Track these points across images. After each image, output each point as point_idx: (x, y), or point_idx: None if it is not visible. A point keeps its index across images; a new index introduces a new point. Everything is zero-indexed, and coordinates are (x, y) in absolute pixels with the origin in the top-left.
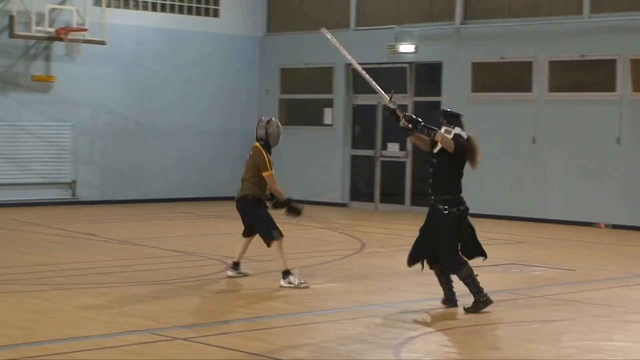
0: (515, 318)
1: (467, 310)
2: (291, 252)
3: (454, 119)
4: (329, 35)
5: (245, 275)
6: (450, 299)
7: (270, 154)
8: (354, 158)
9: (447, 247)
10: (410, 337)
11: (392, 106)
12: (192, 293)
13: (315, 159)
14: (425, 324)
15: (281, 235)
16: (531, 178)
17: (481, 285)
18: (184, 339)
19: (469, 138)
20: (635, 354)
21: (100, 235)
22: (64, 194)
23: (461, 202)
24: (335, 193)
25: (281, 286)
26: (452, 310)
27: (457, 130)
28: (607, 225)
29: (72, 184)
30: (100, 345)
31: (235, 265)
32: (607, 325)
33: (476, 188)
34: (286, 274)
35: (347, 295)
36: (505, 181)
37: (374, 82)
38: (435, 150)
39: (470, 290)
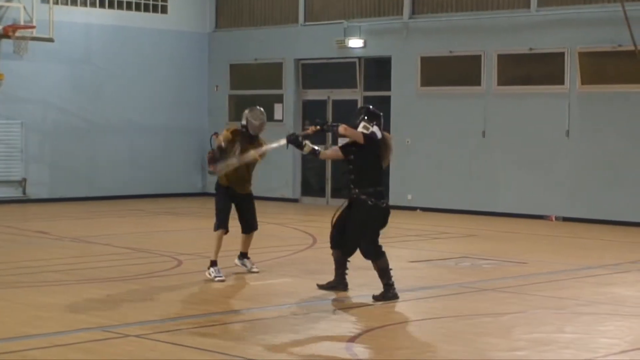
0: (467, 311)
1: (376, 299)
2: None
3: (374, 118)
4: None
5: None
6: (341, 283)
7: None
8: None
9: (370, 237)
10: (362, 332)
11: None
12: (144, 290)
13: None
14: (377, 318)
15: (218, 228)
16: (481, 171)
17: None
18: (136, 336)
19: (383, 136)
20: (587, 345)
21: (51, 233)
22: (14, 192)
23: (384, 195)
24: (287, 189)
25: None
26: (403, 304)
27: (375, 128)
28: (557, 218)
29: (22, 182)
30: (53, 343)
31: (242, 255)
32: (558, 318)
33: (426, 182)
34: (212, 264)
35: (299, 290)
36: (455, 175)
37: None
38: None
39: (382, 281)
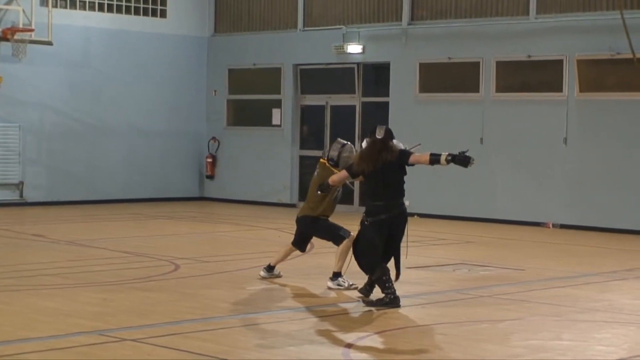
0: (464, 318)
1: (366, 302)
2: (241, 253)
3: (370, 134)
4: None
5: (278, 276)
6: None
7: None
8: (302, 159)
9: (360, 250)
10: (359, 337)
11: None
12: (141, 294)
13: (264, 160)
14: (374, 324)
15: (349, 232)
16: (479, 178)
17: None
18: (133, 340)
19: (366, 147)
20: (584, 353)
21: (48, 237)
22: (11, 195)
23: (372, 214)
24: (284, 194)
25: (329, 287)
26: (400, 310)
27: (364, 142)
28: (554, 225)
29: (19, 185)
30: (49, 347)
31: (270, 268)
32: (555, 325)
33: (424, 188)
34: (337, 275)
35: (296, 295)
36: (453, 181)
37: None
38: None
39: (381, 290)
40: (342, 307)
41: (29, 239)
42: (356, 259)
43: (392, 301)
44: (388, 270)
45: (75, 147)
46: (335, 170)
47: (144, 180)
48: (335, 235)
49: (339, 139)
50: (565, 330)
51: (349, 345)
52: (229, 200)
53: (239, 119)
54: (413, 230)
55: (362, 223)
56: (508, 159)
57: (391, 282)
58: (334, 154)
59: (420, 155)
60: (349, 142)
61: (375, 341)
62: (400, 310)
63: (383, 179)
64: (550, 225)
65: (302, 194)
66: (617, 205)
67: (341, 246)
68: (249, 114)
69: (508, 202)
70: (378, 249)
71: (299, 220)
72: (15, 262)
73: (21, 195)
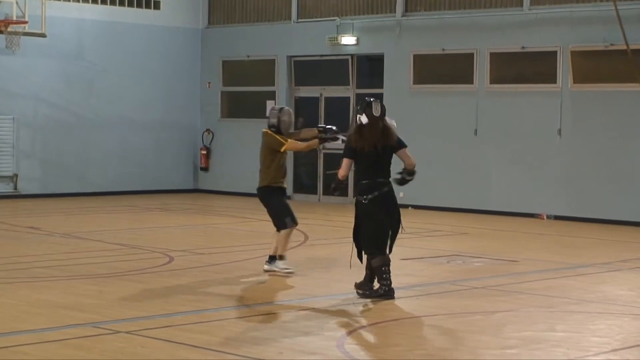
0: (458, 309)
1: (362, 295)
2: (235, 245)
3: (364, 107)
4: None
5: (274, 270)
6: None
7: None
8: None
9: (363, 233)
10: (354, 329)
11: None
12: (135, 286)
13: (258, 152)
14: (368, 315)
15: (294, 223)
16: (473, 170)
17: (392, 281)
18: (127, 332)
19: (367, 123)
20: (578, 344)
21: (43, 229)
22: (5, 188)
23: (365, 191)
24: None
25: (264, 270)
26: (394, 302)
27: (363, 117)
28: (548, 217)
29: (13, 178)
30: (44, 339)
31: (272, 259)
32: (549, 316)
33: (418, 180)
34: (272, 258)
35: (290, 287)
36: (447, 173)
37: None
38: None
39: (377, 280)
40: (337, 299)
41: (23, 231)
42: (358, 244)
43: (386, 293)
44: (389, 261)
45: (69, 139)
46: (277, 137)
47: (138, 172)
48: (280, 220)
49: (274, 106)
50: (559, 321)
51: (344, 337)
52: (223, 192)
53: (233, 111)
54: (407, 222)
55: (358, 204)
56: (502, 151)
57: (389, 274)
58: (273, 120)
59: (408, 157)
60: (285, 106)
61: (370, 333)
62: (395, 302)
63: (376, 159)
64: (544, 217)
65: (296, 186)
66: (611, 197)
67: (282, 234)
68: (243, 105)
69: (502, 193)
70: (384, 224)
71: (257, 192)
72: (10, 255)
73: (15, 188)
